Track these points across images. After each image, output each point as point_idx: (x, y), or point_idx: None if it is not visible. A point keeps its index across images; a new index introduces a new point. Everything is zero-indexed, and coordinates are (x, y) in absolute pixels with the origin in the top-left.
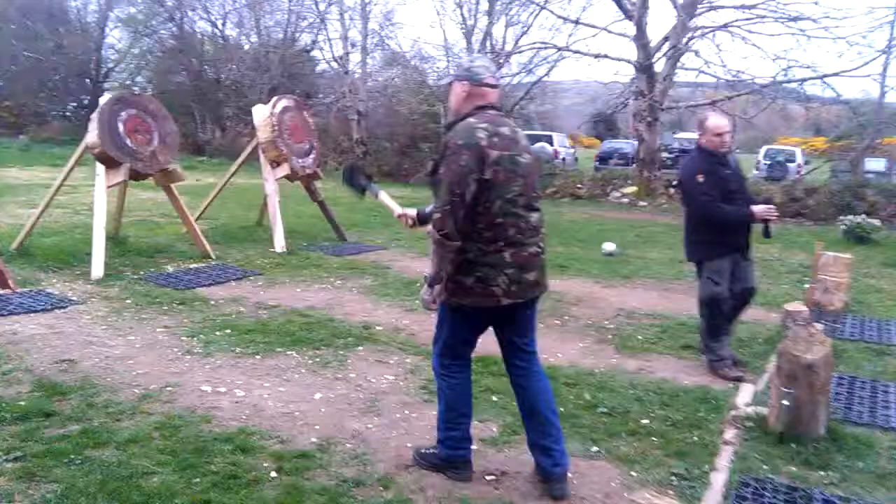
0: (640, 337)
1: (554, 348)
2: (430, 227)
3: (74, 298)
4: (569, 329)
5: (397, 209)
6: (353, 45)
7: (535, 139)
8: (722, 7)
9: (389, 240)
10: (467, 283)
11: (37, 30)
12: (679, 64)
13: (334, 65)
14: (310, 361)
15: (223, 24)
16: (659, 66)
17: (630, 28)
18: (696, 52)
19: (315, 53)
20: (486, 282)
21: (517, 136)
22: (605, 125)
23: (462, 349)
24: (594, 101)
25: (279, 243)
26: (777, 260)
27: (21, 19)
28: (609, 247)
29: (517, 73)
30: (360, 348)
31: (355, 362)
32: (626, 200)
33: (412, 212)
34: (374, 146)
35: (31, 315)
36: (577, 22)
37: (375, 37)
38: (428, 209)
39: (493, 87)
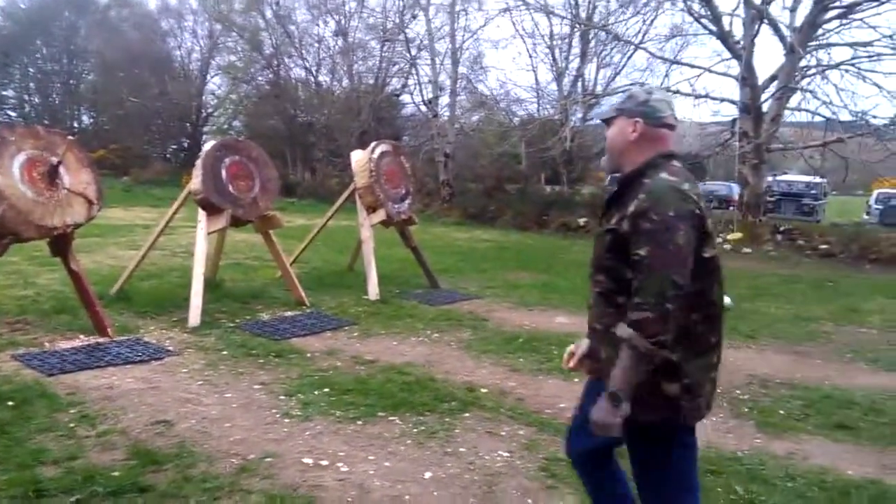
0: (781, 412)
1: None
2: (624, 330)
3: (171, 349)
4: None
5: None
6: (442, 89)
7: None
8: (835, 45)
9: (483, 287)
10: (670, 391)
11: (143, 77)
12: (788, 104)
13: (423, 108)
14: (414, 430)
15: (317, 71)
16: (765, 105)
17: (734, 67)
18: (812, 93)
19: (403, 97)
20: (693, 391)
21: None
22: (691, 167)
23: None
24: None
25: (373, 291)
26: None
27: (130, 67)
28: (724, 299)
29: None
30: (467, 415)
31: (464, 433)
32: (727, 247)
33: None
34: (460, 188)
35: (128, 367)
36: (673, 61)
37: (464, 80)
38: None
39: (673, 128)
